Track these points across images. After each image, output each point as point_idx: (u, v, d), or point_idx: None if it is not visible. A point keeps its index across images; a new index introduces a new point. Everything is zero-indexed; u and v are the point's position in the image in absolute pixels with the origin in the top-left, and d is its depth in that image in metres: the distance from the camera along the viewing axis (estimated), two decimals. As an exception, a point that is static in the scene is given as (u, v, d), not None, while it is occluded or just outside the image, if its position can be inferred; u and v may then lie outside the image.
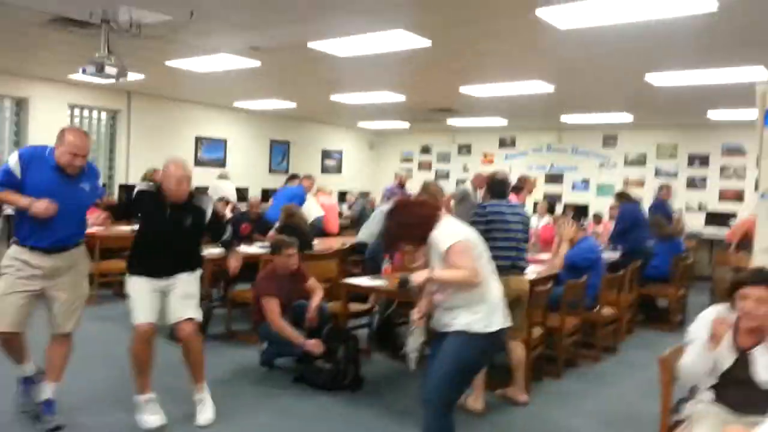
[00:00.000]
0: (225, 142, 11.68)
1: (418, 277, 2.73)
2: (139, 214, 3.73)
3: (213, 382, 4.25)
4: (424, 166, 14.50)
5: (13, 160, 3.22)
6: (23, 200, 3.16)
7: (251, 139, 12.22)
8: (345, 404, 3.99)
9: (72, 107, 9.50)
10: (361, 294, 5.11)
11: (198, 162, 11.20)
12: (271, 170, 12.62)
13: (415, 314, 2.91)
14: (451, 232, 2.74)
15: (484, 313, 2.70)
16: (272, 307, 4.37)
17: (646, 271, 6.57)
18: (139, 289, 3.51)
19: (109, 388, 3.97)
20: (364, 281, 4.85)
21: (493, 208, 4.08)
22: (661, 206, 8.53)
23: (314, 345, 4.25)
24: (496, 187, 4.28)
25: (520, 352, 4.10)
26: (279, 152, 12.85)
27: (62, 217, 3.24)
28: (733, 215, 10.32)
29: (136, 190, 3.70)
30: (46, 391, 3.41)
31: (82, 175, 3.36)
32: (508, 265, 3.97)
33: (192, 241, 3.72)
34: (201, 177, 10.80)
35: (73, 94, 9.39)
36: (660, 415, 2.64)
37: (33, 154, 3.28)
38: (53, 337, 3.43)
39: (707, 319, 2.56)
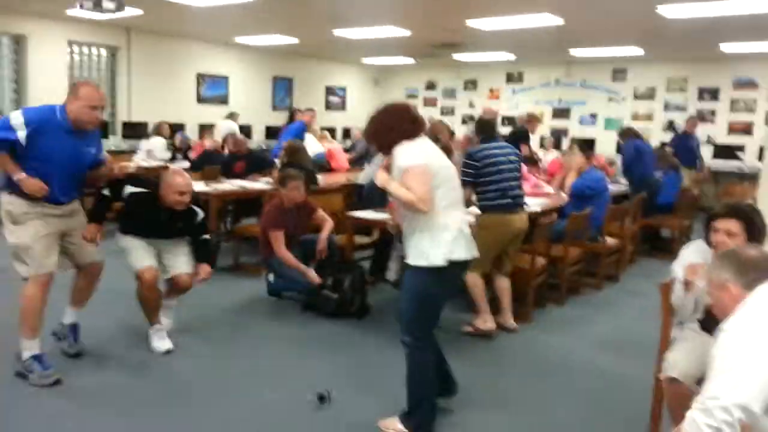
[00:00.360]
0: (227, 78, 11.53)
1: (379, 176, 2.73)
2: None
3: (223, 313, 4.38)
4: (430, 102, 14.31)
5: (17, 121, 3.02)
6: (18, 173, 3.05)
7: (253, 76, 12.05)
8: (352, 330, 4.10)
9: (71, 44, 9.35)
10: (365, 227, 5.16)
11: (201, 99, 11.10)
12: (274, 107, 12.51)
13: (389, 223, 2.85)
14: (414, 153, 2.65)
15: (429, 244, 2.62)
16: (278, 238, 4.43)
17: (655, 201, 6.61)
18: (135, 240, 3.59)
19: (118, 319, 4.08)
20: (368, 215, 4.87)
21: (481, 153, 4.01)
22: (686, 139, 8.49)
23: (312, 277, 4.33)
24: (484, 128, 4.23)
25: (504, 284, 4.20)
26: (282, 89, 12.69)
27: (65, 179, 3.20)
28: (741, 148, 10.25)
29: (127, 192, 3.51)
30: (72, 315, 3.54)
31: (92, 135, 3.31)
32: (511, 203, 4.00)
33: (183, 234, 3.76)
34: (203, 114, 10.77)
35: (72, 31, 9.22)
36: (659, 339, 2.69)
37: (42, 118, 3.08)
38: (83, 266, 3.44)
39: (686, 256, 2.59)
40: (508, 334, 4.12)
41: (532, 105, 12.79)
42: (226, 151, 7.90)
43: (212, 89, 11.32)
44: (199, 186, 5.92)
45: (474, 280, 3.97)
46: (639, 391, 2.91)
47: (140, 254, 3.55)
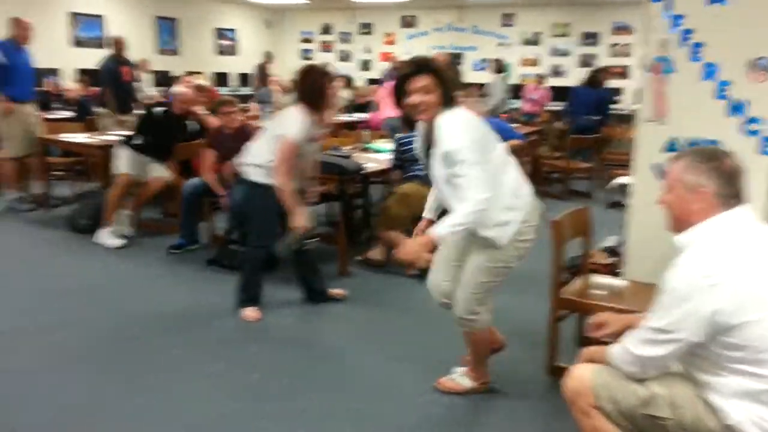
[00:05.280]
0: (101, 18, 10.61)
1: None
2: None
3: (127, 271, 4.22)
4: (325, 47, 14.03)
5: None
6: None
7: (133, 16, 11.19)
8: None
9: None
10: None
11: (77, 42, 10.19)
12: (160, 51, 11.74)
13: None
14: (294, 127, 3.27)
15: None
16: (206, 157, 4.59)
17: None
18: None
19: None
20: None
21: (405, 140, 4.39)
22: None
23: (224, 202, 4.47)
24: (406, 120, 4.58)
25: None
26: (166, 31, 11.90)
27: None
28: (618, 91, 10.93)
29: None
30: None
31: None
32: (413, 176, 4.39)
33: None
34: (80, 58, 9.92)
35: None
36: (553, 273, 2.90)
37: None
38: None
39: None
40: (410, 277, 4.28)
41: (425, 50, 12.88)
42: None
43: (87, 30, 10.40)
44: (81, 138, 5.54)
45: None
46: (537, 321, 3.16)
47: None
